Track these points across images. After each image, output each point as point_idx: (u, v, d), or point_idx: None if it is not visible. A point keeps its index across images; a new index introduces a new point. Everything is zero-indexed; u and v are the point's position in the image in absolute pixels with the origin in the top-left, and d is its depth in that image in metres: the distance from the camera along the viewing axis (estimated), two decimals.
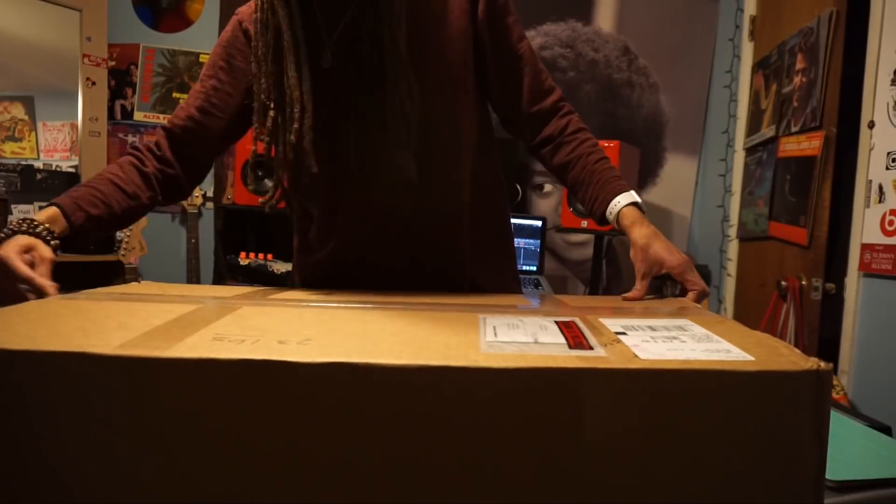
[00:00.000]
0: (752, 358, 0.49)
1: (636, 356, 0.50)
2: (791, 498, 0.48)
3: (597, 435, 0.48)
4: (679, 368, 0.47)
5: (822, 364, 0.46)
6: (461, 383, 0.49)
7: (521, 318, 0.63)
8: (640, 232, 0.98)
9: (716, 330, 0.59)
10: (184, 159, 1.13)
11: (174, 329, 0.57)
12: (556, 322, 0.62)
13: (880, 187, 2.09)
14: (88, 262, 2.79)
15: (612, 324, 0.62)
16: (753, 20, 3.16)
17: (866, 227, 2.14)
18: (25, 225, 0.92)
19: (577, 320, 0.63)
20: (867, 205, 2.14)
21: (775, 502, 0.48)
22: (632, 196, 1.05)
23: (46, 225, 0.94)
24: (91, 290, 0.79)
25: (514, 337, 0.55)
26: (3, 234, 0.89)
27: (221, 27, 3.41)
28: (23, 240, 0.89)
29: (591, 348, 0.52)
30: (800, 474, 0.48)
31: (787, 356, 0.49)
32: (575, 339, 0.55)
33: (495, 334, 0.56)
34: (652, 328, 0.60)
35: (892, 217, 2.04)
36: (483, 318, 0.63)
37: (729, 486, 0.48)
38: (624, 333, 0.57)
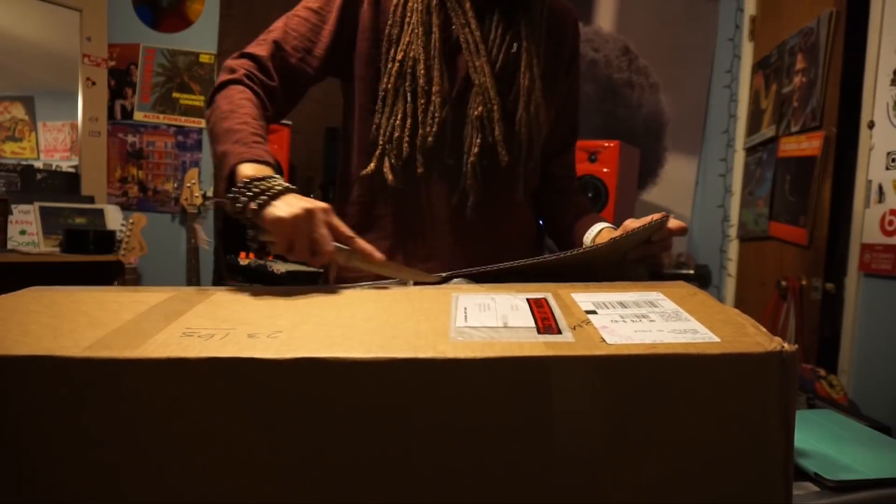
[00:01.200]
0: (717, 339, 0.48)
1: (603, 340, 0.49)
2: (760, 479, 0.47)
3: (566, 421, 0.47)
4: (644, 354, 0.47)
5: (787, 346, 0.46)
6: (429, 375, 0.48)
7: (493, 297, 0.63)
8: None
9: (687, 305, 0.58)
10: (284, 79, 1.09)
11: (144, 324, 0.56)
12: (528, 300, 0.61)
13: (880, 187, 2.08)
14: (88, 262, 2.79)
15: (584, 300, 0.61)
16: (753, 20, 3.15)
17: (866, 227, 2.13)
18: (279, 184, 0.84)
19: (550, 297, 0.63)
20: (867, 205, 2.13)
21: (745, 486, 0.47)
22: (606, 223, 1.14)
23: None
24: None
25: (483, 321, 0.55)
26: (279, 190, 0.82)
27: (221, 27, 3.44)
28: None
29: (559, 332, 0.51)
30: (768, 455, 0.47)
31: (752, 336, 0.49)
32: (544, 321, 0.55)
33: (465, 318, 0.56)
34: (623, 304, 0.59)
35: (892, 217, 2.03)
36: (456, 298, 0.63)
37: (698, 467, 0.48)
38: (594, 312, 0.57)
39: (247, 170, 0.85)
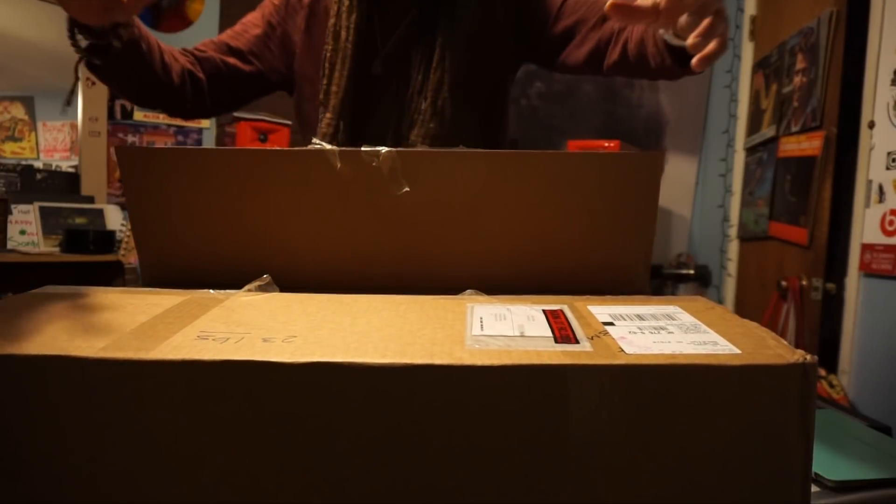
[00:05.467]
0: (738, 351, 0.48)
1: (622, 350, 0.49)
2: (778, 493, 0.47)
3: (582, 431, 0.47)
4: (664, 364, 0.47)
5: (808, 357, 0.46)
6: (445, 381, 0.48)
7: (509, 307, 0.63)
8: None
9: (705, 318, 0.58)
10: (211, 78, 1.20)
11: (159, 326, 0.57)
12: (545, 311, 0.61)
13: (880, 187, 2.08)
14: (88, 262, 2.79)
15: (601, 312, 0.61)
16: (753, 20, 3.16)
17: (866, 227, 2.14)
18: None
19: (566, 308, 0.63)
20: (867, 205, 2.14)
21: (763, 498, 0.48)
22: None
23: None
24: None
25: (500, 330, 0.55)
26: None
27: (221, 27, 3.43)
28: None
29: (577, 342, 0.52)
30: (787, 468, 0.48)
31: (773, 348, 0.49)
32: (562, 331, 0.55)
33: (482, 327, 0.56)
34: (640, 317, 0.59)
35: (893, 217, 2.04)
36: (471, 308, 0.63)
37: (716, 481, 0.48)
38: (611, 323, 0.57)
39: None
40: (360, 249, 0.79)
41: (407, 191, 0.76)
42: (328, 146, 0.79)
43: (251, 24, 1.24)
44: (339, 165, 0.77)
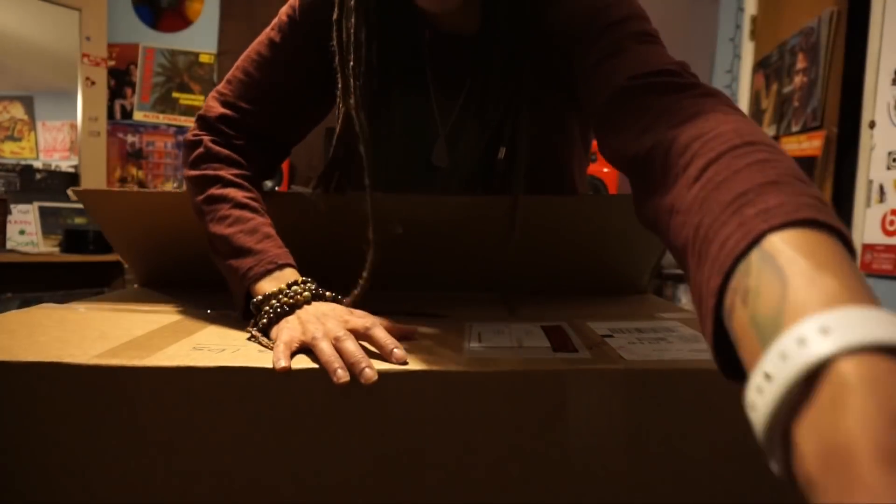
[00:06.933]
0: None
1: (621, 357, 0.49)
2: (778, 496, 0.47)
3: (581, 436, 0.47)
4: (662, 369, 0.47)
5: None
6: (443, 388, 0.48)
7: (507, 324, 0.63)
8: None
9: None
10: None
11: (155, 339, 0.56)
12: (542, 327, 0.61)
13: (881, 187, 2.08)
14: (88, 262, 2.79)
15: (599, 326, 0.61)
16: (754, 20, 3.15)
17: (867, 227, 2.13)
18: (307, 289, 0.63)
19: (564, 324, 0.62)
20: (868, 205, 2.13)
21: (762, 500, 0.47)
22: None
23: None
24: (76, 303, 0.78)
25: (498, 342, 0.55)
26: (300, 298, 0.62)
27: (221, 27, 3.43)
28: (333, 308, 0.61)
29: (575, 350, 0.51)
30: None
31: None
32: (560, 341, 0.54)
33: (479, 340, 0.56)
34: (639, 330, 0.59)
35: (893, 217, 2.03)
36: (469, 325, 0.63)
37: (715, 485, 0.48)
38: (610, 336, 0.57)
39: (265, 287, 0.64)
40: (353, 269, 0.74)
41: (400, 232, 0.72)
42: (309, 190, 0.75)
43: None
44: (323, 208, 0.76)
